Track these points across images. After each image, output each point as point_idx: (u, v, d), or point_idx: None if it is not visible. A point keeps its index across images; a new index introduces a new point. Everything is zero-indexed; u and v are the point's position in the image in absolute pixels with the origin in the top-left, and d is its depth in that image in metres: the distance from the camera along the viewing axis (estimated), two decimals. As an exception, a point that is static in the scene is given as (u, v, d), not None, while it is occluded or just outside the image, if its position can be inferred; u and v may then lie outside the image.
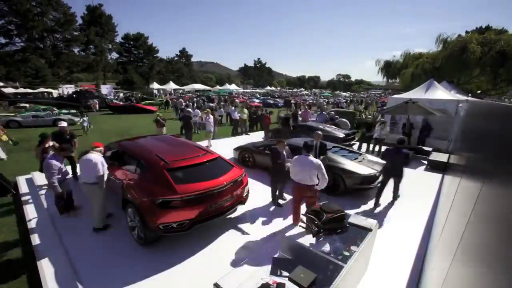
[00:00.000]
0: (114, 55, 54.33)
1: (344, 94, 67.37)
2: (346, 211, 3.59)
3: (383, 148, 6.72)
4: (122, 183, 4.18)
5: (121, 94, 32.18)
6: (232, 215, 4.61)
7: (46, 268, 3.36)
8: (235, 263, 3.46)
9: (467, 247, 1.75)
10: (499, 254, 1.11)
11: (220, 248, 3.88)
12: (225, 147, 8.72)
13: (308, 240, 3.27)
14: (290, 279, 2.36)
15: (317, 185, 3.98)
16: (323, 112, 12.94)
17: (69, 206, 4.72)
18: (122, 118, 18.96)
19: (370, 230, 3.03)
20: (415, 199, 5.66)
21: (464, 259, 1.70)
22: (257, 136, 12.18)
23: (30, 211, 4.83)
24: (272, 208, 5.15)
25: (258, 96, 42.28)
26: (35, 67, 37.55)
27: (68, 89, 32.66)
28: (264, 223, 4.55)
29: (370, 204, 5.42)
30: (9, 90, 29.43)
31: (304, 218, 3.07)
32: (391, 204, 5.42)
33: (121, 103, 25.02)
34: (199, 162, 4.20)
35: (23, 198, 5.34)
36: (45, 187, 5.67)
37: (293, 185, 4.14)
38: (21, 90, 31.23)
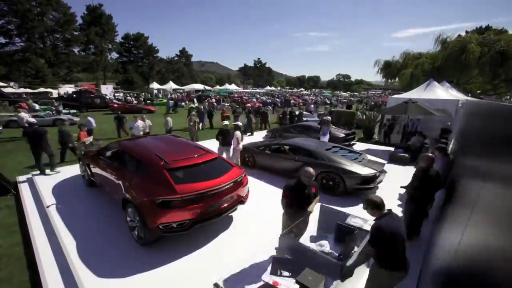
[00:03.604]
0: (114, 55, 54.38)
1: (344, 94, 67.30)
2: (345, 211, 3.60)
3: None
4: (122, 183, 4.18)
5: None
6: (232, 215, 4.62)
7: (46, 268, 3.36)
8: (235, 263, 3.46)
9: (467, 246, 1.75)
10: (499, 253, 1.11)
11: (220, 248, 3.88)
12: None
13: (308, 240, 3.28)
14: (298, 282, 2.33)
15: None
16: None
17: None
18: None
19: (368, 231, 3.03)
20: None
21: (465, 258, 1.71)
22: (259, 136, 12.19)
23: (30, 211, 4.83)
24: (272, 208, 5.14)
25: (258, 96, 42.20)
26: (35, 67, 37.51)
27: (66, 89, 32.70)
28: (264, 223, 4.55)
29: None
30: (9, 90, 29.41)
31: None
32: (391, 203, 5.42)
33: (120, 102, 25.02)
34: (199, 162, 4.20)
35: (23, 198, 5.34)
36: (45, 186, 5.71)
37: None
38: (22, 90, 31.22)
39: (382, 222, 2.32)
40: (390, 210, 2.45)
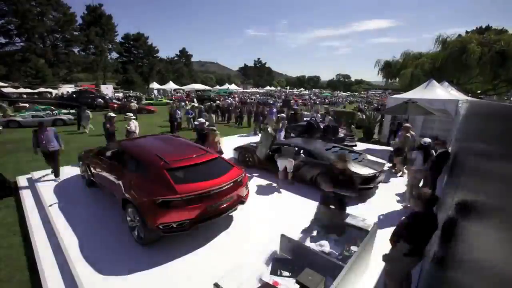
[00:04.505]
0: (114, 55, 54.40)
1: (344, 94, 67.23)
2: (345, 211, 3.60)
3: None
4: (122, 183, 4.18)
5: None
6: (232, 215, 4.62)
7: (46, 268, 3.36)
8: (235, 263, 3.46)
9: (466, 246, 1.75)
10: (500, 251, 1.11)
11: (220, 248, 3.88)
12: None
13: (308, 240, 3.28)
14: (298, 282, 2.33)
15: None
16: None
17: None
18: (122, 117, 18.93)
19: (367, 231, 3.03)
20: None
21: (463, 258, 1.70)
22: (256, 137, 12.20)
23: (30, 211, 4.83)
24: (272, 208, 5.15)
25: (259, 96, 42.18)
26: (35, 67, 37.55)
27: (67, 89, 32.74)
28: (264, 222, 4.55)
29: (369, 204, 5.42)
30: (9, 90, 29.45)
31: None
32: (390, 203, 5.43)
33: (119, 102, 25.05)
34: (199, 162, 4.20)
35: (23, 198, 5.34)
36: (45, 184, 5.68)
37: None
38: (22, 90, 31.26)
39: (421, 219, 2.46)
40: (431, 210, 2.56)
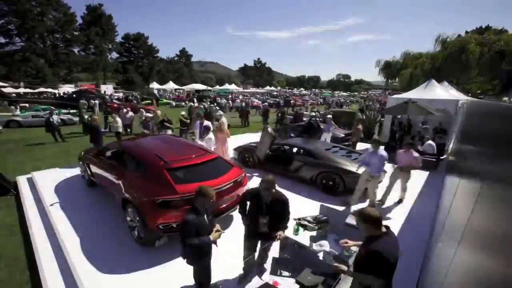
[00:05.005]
0: (114, 55, 54.41)
1: (344, 94, 67.21)
2: (345, 211, 3.60)
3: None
4: (122, 182, 4.18)
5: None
6: (232, 215, 4.61)
7: (46, 268, 3.36)
8: (235, 263, 3.46)
9: (466, 247, 1.75)
10: (499, 254, 1.11)
11: (220, 248, 3.87)
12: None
13: (308, 240, 3.27)
14: (298, 282, 2.33)
15: None
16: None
17: None
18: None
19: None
20: (414, 198, 5.66)
21: (464, 259, 1.71)
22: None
23: (30, 211, 4.83)
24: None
25: (259, 96, 42.11)
26: (35, 67, 37.57)
27: (66, 89, 32.79)
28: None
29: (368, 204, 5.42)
30: (9, 90, 29.46)
31: None
32: (390, 203, 5.43)
33: (119, 102, 25.06)
34: (199, 162, 4.20)
35: (23, 198, 5.34)
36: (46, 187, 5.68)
37: None
38: (22, 90, 31.28)
39: (387, 246, 1.90)
40: (388, 228, 2.02)
